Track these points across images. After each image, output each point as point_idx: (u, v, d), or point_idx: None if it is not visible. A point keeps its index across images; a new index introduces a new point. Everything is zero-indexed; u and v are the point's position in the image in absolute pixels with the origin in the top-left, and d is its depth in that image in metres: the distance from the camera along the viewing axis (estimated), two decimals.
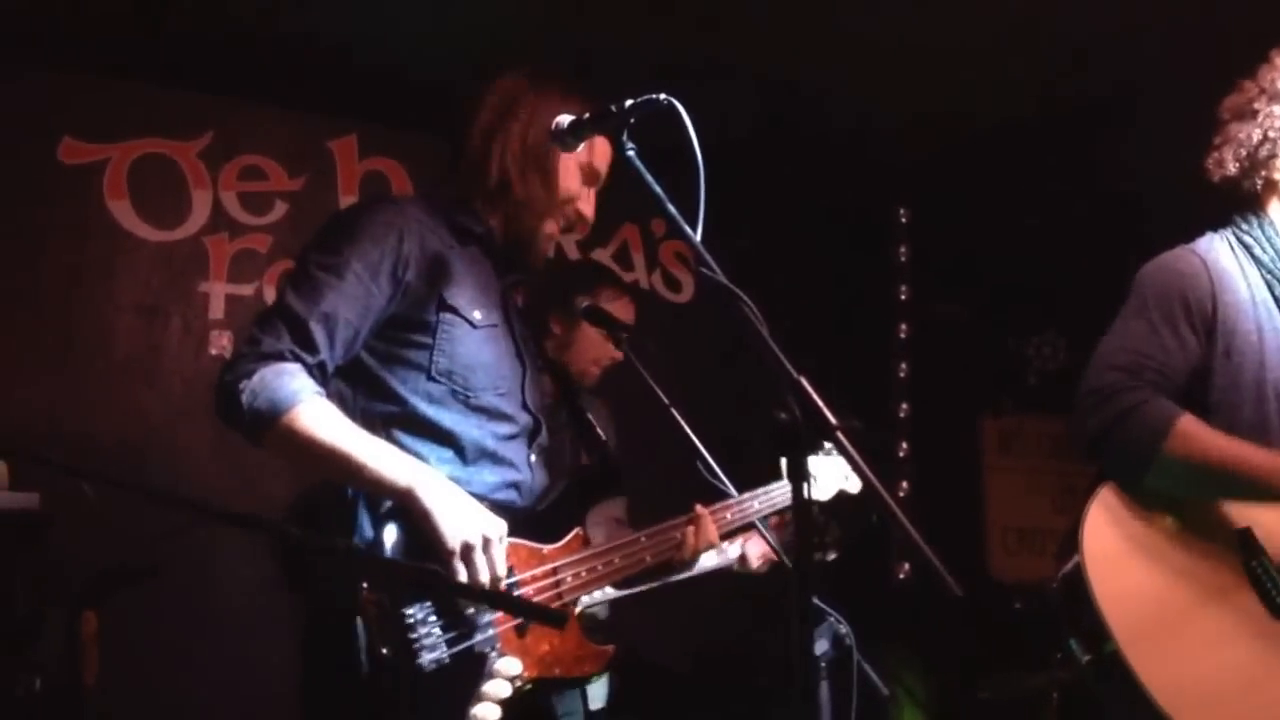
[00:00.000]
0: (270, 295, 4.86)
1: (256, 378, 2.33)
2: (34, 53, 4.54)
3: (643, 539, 2.79)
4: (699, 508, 2.94)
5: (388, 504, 2.36)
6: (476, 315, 2.57)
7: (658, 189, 2.18)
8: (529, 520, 2.58)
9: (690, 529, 2.89)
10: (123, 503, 1.96)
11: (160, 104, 4.87)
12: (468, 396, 2.54)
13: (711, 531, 2.93)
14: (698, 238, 2.11)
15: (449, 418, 2.52)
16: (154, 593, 3.63)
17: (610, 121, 2.33)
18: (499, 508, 2.48)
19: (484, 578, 2.33)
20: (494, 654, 2.37)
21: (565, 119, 2.50)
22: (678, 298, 5.82)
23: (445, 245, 2.58)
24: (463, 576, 2.31)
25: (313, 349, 2.40)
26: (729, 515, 3.04)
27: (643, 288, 5.71)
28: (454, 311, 2.53)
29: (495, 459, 2.57)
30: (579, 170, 2.68)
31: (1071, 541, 2.61)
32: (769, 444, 1.98)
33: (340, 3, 4.47)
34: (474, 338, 2.56)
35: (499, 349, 2.63)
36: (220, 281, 4.89)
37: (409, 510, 2.32)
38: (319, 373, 2.41)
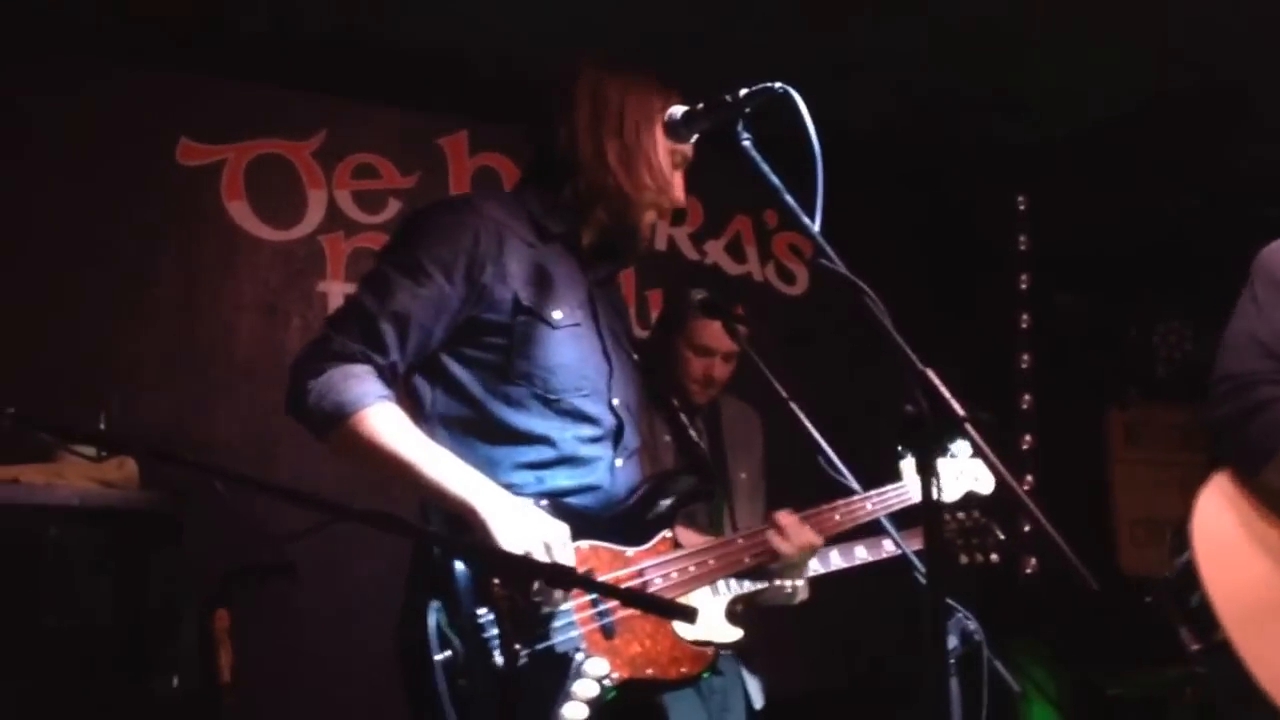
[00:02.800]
0: None
1: (324, 378, 2.33)
2: (151, 56, 4.61)
3: (739, 540, 2.75)
4: (778, 515, 2.90)
5: None
6: (556, 315, 2.52)
7: (775, 180, 2.14)
8: (612, 523, 2.53)
9: (773, 533, 2.85)
10: (251, 500, 1.97)
11: (274, 104, 4.91)
12: (549, 398, 2.50)
13: (807, 534, 2.88)
14: (817, 229, 2.07)
15: (529, 420, 2.49)
16: (285, 589, 3.66)
17: (725, 112, 2.28)
18: (573, 510, 2.44)
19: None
20: (580, 655, 2.33)
21: (678, 110, 2.46)
22: (792, 290, 5.75)
23: (524, 243, 2.53)
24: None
25: (383, 350, 2.39)
26: (837, 516, 2.99)
27: (756, 280, 5.65)
28: (531, 312, 2.49)
29: (575, 462, 2.53)
30: (670, 156, 2.62)
31: (1185, 530, 2.60)
32: (894, 438, 1.94)
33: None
34: (553, 338, 2.51)
35: (581, 349, 2.57)
36: (338, 280, 4.93)
37: (468, 523, 2.30)
38: (389, 374, 2.40)
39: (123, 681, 3.51)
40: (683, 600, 2.54)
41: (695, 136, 2.52)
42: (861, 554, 3.66)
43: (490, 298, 2.47)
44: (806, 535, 2.90)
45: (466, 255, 2.45)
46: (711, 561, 2.65)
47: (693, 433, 2.97)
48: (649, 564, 2.53)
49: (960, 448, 3.35)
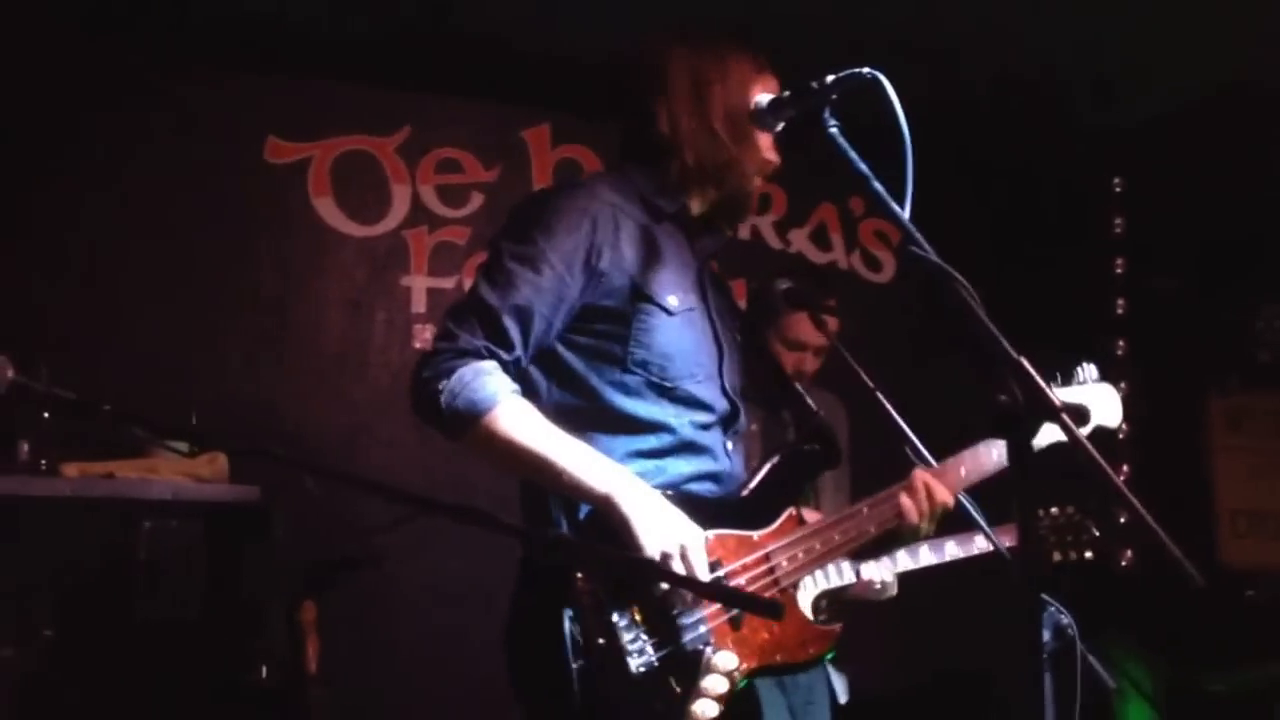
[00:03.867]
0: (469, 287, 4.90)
1: (455, 377, 2.29)
2: (239, 56, 4.66)
3: (864, 509, 2.66)
4: (918, 472, 2.75)
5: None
6: (673, 301, 2.49)
7: (864, 167, 2.10)
8: (735, 507, 2.50)
9: (904, 495, 2.71)
10: (340, 494, 1.97)
11: (359, 101, 4.94)
12: (665, 386, 2.47)
13: (942, 491, 2.73)
14: (907, 216, 2.03)
15: (645, 408, 2.46)
16: (371, 582, 3.69)
17: (811, 99, 2.25)
18: (696, 499, 2.42)
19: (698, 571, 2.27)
20: (708, 650, 2.31)
21: (765, 98, 2.44)
22: (878, 278, 5.68)
23: (638, 226, 2.51)
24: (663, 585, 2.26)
25: (508, 344, 2.36)
26: (963, 471, 2.82)
27: (841, 268, 5.59)
28: (650, 300, 2.46)
29: (693, 449, 2.50)
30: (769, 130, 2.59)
31: None
32: (988, 428, 1.90)
33: None
34: (671, 325, 2.48)
35: (696, 334, 2.54)
36: (421, 275, 4.95)
37: (607, 517, 2.27)
38: (513, 369, 2.37)
39: (213, 673, 3.55)
40: None
41: (781, 124, 2.49)
42: (953, 549, 3.60)
43: (607, 284, 2.44)
44: (941, 494, 2.76)
45: (585, 243, 2.42)
46: (837, 536, 2.59)
47: (810, 401, 2.89)
48: (775, 546, 2.49)
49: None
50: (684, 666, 2.28)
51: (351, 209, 4.89)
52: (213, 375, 4.52)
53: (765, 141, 2.58)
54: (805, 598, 3.07)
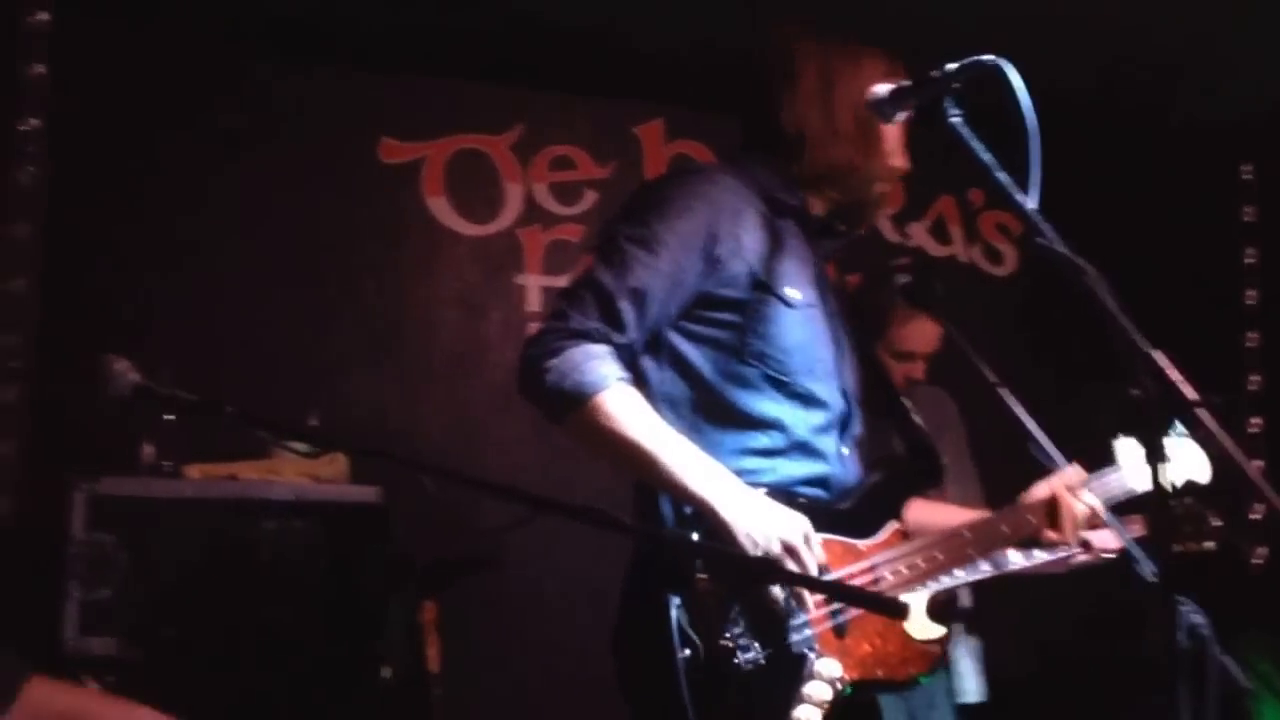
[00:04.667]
0: None
1: (564, 357, 2.25)
2: (352, 57, 4.70)
3: (966, 533, 2.59)
4: (1056, 487, 2.65)
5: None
6: (793, 293, 2.43)
7: (987, 157, 2.06)
8: (843, 515, 2.45)
9: (1030, 512, 2.63)
10: (459, 494, 1.97)
11: (471, 100, 4.96)
12: (782, 381, 2.41)
13: (1068, 525, 2.64)
14: (1033, 207, 1.98)
15: (761, 404, 2.40)
16: (490, 581, 3.70)
17: (932, 89, 2.18)
18: (802, 503, 2.36)
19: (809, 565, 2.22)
20: (813, 655, 2.27)
21: (884, 88, 2.38)
22: (1000, 270, 5.56)
23: (760, 216, 2.45)
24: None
25: (621, 327, 2.31)
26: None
27: (961, 261, 5.49)
28: (769, 290, 2.40)
29: (806, 450, 2.44)
30: (899, 126, 2.53)
31: None
32: (1119, 422, 1.86)
33: None
34: (790, 318, 2.42)
35: (815, 330, 2.48)
36: (535, 274, 4.96)
37: (706, 519, 2.22)
38: (625, 354, 2.32)
39: (336, 671, 3.58)
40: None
41: (902, 114, 2.42)
42: (1040, 553, 3.52)
43: (725, 272, 2.39)
44: (1082, 508, 2.68)
45: (704, 228, 2.37)
46: (939, 555, 2.52)
47: (916, 417, 2.83)
48: (881, 558, 2.44)
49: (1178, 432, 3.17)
50: (788, 669, 2.24)
51: (465, 208, 4.91)
52: (330, 376, 4.56)
53: (893, 144, 2.52)
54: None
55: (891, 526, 2.50)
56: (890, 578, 2.43)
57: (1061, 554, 3.56)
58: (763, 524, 2.22)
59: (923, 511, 2.72)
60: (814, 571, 2.23)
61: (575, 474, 4.34)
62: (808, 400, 2.44)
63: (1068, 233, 1.92)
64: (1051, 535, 2.66)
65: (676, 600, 2.20)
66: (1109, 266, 1.94)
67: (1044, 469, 2.83)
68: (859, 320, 3.65)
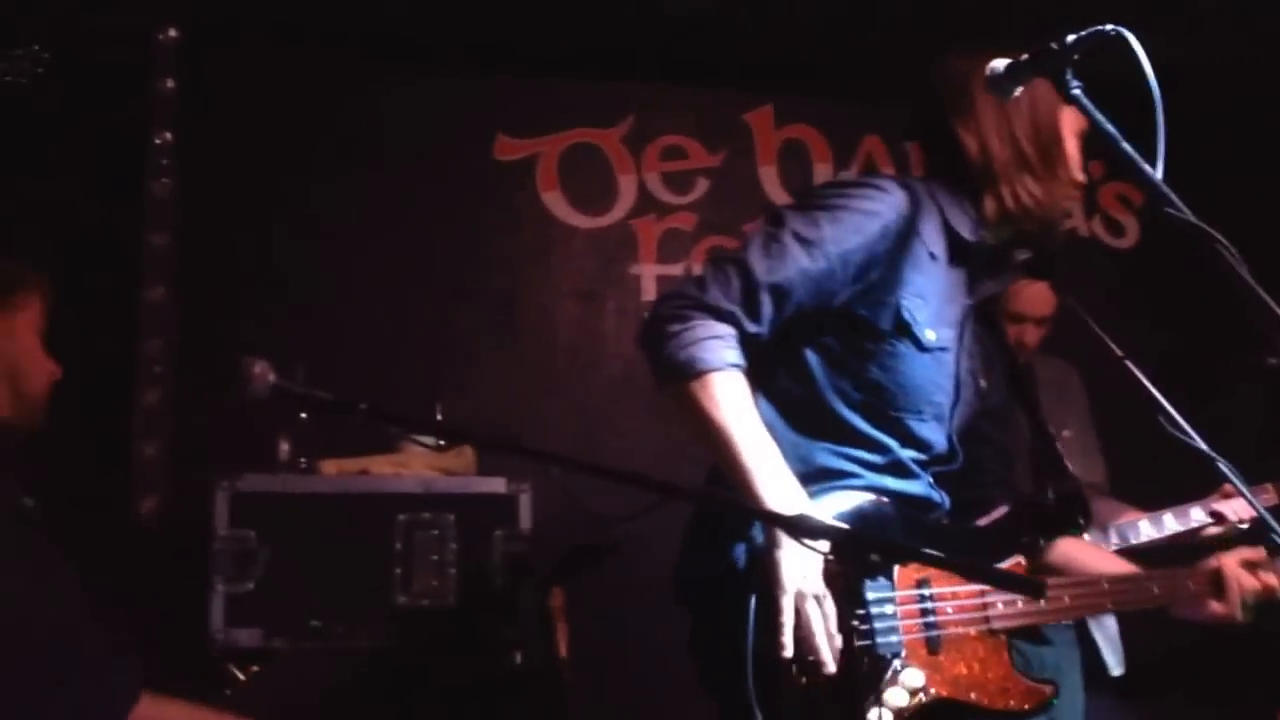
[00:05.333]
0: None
1: (689, 327, 2.25)
2: (466, 60, 4.78)
3: (1104, 584, 2.53)
4: (1223, 563, 2.57)
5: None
6: (930, 336, 2.39)
7: (1111, 129, 2.01)
8: (961, 536, 2.43)
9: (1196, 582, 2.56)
10: (583, 483, 2.00)
11: (582, 95, 5.02)
12: (889, 415, 2.39)
13: (1235, 600, 2.56)
14: (1159, 177, 1.93)
15: (860, 422, 2.39)
16: (616, 569, 3.74)
17: (1052, 61, 2.12)
18: (918, 514, 2.36)
19: (812, 630, 2.15)
20: (897, 662, 2.25)
21: (1000, 63, 2.30)
22: (1121, 243, 5.46)
23: (926, 251, 2.41)
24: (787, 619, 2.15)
25: (755, 318, 2.30)
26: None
27: (1081, 234, 5.40)
28: (908, 330, 2.37)
29: (902, 471, 2.41)
30: (1077, 140, 2.46)
31: None
32: (1262, 394, 1.82)
33: None
34: (918, 360, 2.40)
35: (938, 373, 2.44)
36: (650, 263, 5.00)
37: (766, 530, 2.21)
38: (749, 342, 2.31)
39: (469, 658, 3.67)
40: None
41: (1020, 90, 2.39)
42: (1171, 523, 3.45)
43: (873, 298, 2.36)
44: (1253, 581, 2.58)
45: (869, 249, 2.34)
46: (1066, 599, 2.46)
47: (1068, 464, 2.74)
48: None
49: None
50: (869, 668, 2.22)
51: (579, 201, 4.97)
52: (452, 370, 4.66)
53: (1075, 160, 2.46)
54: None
55: (1014, 560, 2.46)
56: (1003, 608, 2.37)
57: (1194, 525, 3.52)
58: (803, 568, 2.16)
59: (1073, 548, 2.66)
60: (817, 632, 2.14)
61: (694, 460, 4.39)
62: (909, 438, 2.42)
63: (1194, 204, 1.88)
64: (1218, 608, 2.59)
65: (753, 599, 2.20)
66: (1241, 238, 1.91)
67: (1177, 445, 2.79)
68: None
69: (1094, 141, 2.04)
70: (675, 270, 4.97)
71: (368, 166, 4.70)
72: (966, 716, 2.34)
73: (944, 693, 2.27)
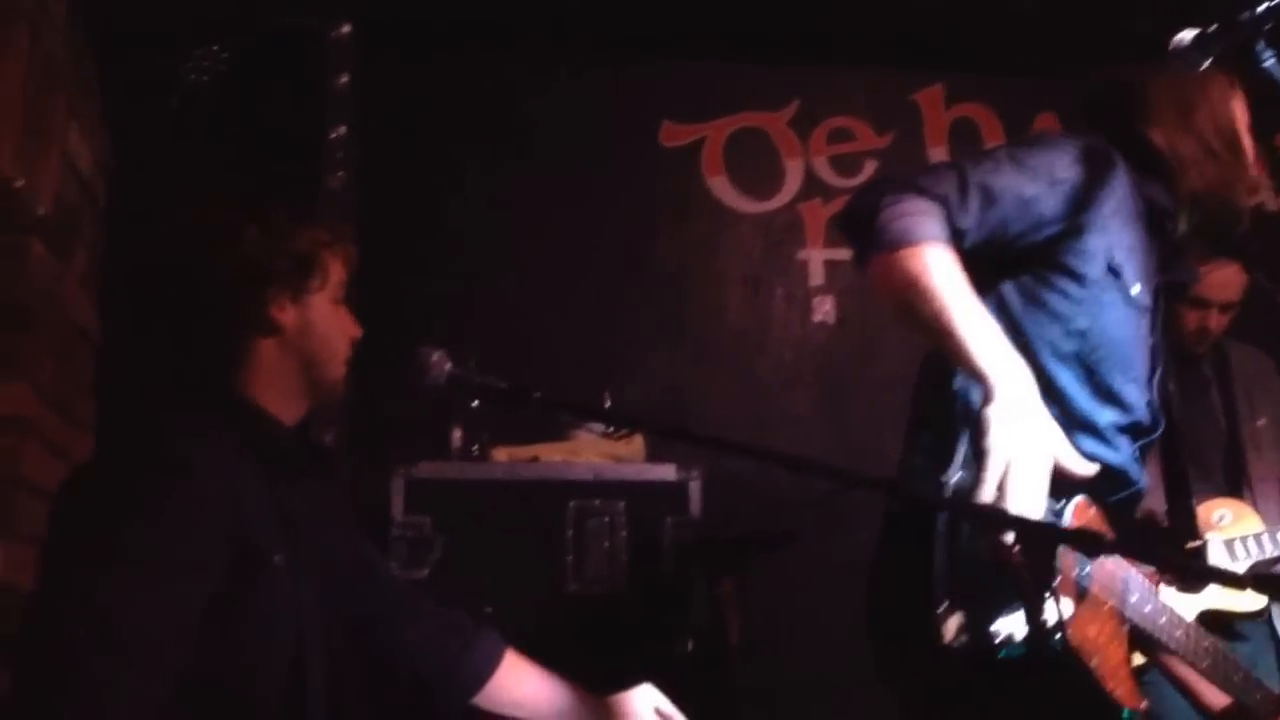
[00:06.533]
0: None
1: (902, 201, 2.23)
2: (633, 44, 4.79)
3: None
4: None
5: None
6: (1136, 290, 2.36)
7: None
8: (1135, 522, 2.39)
9: None
10: (753, 470, 1.99)
11: (747, 79, 4.99)
12: (1092, 368, 2.35)
13: None
14: None
15: (1066, 378, 2.34)
16: (785, 555, 3.72)
17: (1242, 32, 2.05)
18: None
19: (1015, 499, 2.06)
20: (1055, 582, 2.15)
21: (1188, 34, 2.26)
22: None
23: (1132, 210, 2.40)
24: (989, 493, 2.07)
25: (963, 210, 2.27)
26: None
27: (1268, 210, 5.17)
28: (1117, 275, 2.34)
29: (1097, 433, 2.36)
30: (1249, 133, 2.47)
31: None
32: None
33: None
34: (1123, 311, 2.37)
35: (1139, 334, 2.41)
36: (818, 248, 4.94)
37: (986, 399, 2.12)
38: (955, 237, 2.26)
39: (641, 644, 3.68)
40: None
41: (1208, 62, 2.32)
42: None
43: (1081, 242, 2.34)
44: None
45: (1080, 185, 2.34)
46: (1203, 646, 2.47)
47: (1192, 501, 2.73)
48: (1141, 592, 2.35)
49: None
50: (1042, 573, 2.13)
51: (745, 186, 4.94)
52: (620, 357, 4.67)
53: (1250, 150, 2.46)
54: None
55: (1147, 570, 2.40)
56: (1134, 600, 2.33)
57: None
58: (1023, 434, 2.09)
59: None
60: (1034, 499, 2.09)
61: (868, 447, 4.33)
62: (1109, 396, 2.37)
63: None
64: None
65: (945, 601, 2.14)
66: None
67: None
68: None
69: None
70: (843, 254, 4.90)
71: (536, 156, 4.74)
72: (1076, 680, 2.23)
73: (1073, 643, 2.16)
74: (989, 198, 2.27)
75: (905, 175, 2.31)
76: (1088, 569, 2.24)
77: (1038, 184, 2.30)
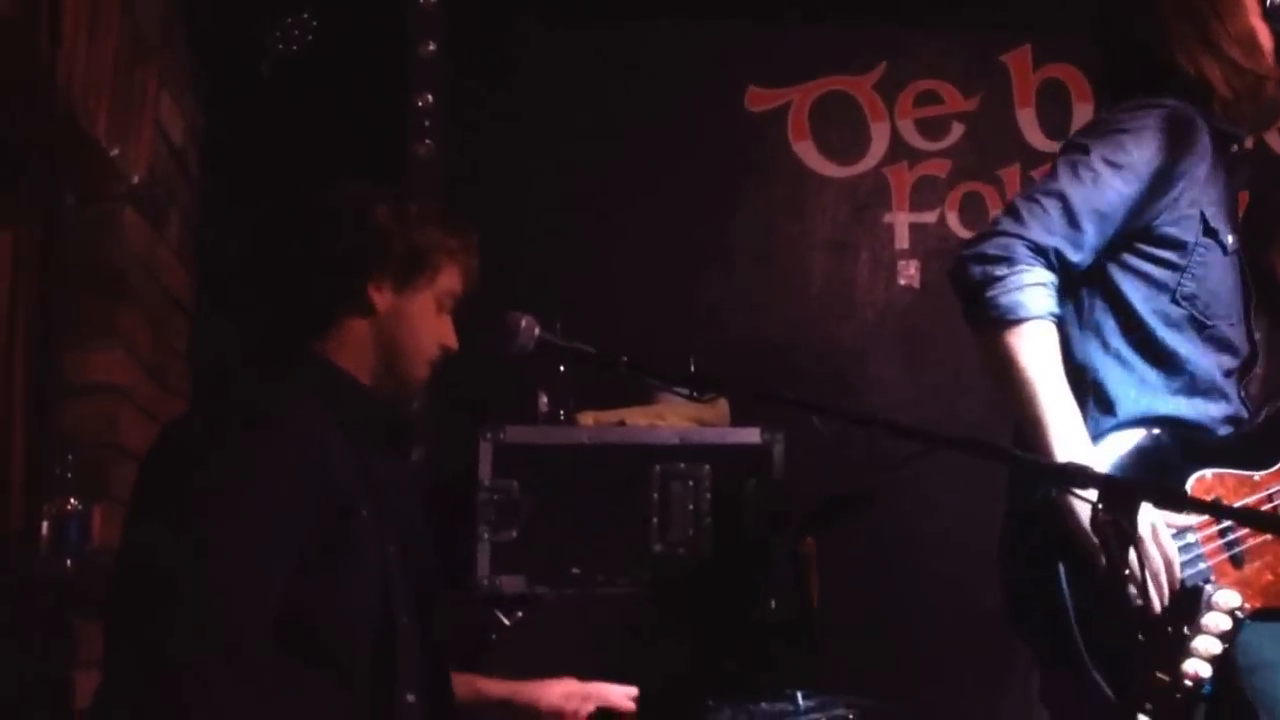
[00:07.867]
0: (953, 221, 4.85)
1: (1017, 271, 2.31)
2: (717, 6, 4.78)
3: None
4: None
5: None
6: (1229, 240, 2.45)
7: None
8: (1237, 449, 2.41)
9: None
10: (838, 432, 2.01)
11: (833, 42, 4.96)
12: (1204, 324, 2.43)
13: None
14: None
15: (1183, 345, 2.42)
16: (868, 517, 3.74)
17: None
18: (1196, 438, 2.37)
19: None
20: (1209, 587, 2.25)
21: None
22: None
23: (1211, 163, 2.46)
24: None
25: (1079, 248, 2.36)
26: None
27: None
28: (1214, 236, 2.42)
29: (1220, 393, 2.44)
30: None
31: None
32: None
33: None
34: (1222, 265, 2.46)
35: (1235, 275, 2.50)
36: (903, 211, 4.92)
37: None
38: (1065, 278, 2.37)
39: (724, 605, 3.72)
40: None
41: None
42: None
43: (1177, 213, 2.42)
44: None
45: (1174, 164, 2.40)
46: None
47: None
48: (1278, 487, 2.38)
49: None
50: (1184, 602, 2.23)
51: (831, 150, 4.92)
52: (704, 320, 4.69)
53: (1271, 49, 2.50)
54: None
55: None
56: None
57: None
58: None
59: None
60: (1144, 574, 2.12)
61: (952, 410, 4.33)
62: (1223, 345, 2.46)
63: None
64: None
65: (1063, 566, 2.23)
66: None
67: None
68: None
69: None
70: (929, 218, 4.89)
71: (624, 123, 4.77)
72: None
73: (1258, 604, 2.29)
74: (1102, 218, 2.36)
75: (1013, 218, 2.36)
76: (1231, 535, 2.32)
77: (1140, 181, 2.37)
